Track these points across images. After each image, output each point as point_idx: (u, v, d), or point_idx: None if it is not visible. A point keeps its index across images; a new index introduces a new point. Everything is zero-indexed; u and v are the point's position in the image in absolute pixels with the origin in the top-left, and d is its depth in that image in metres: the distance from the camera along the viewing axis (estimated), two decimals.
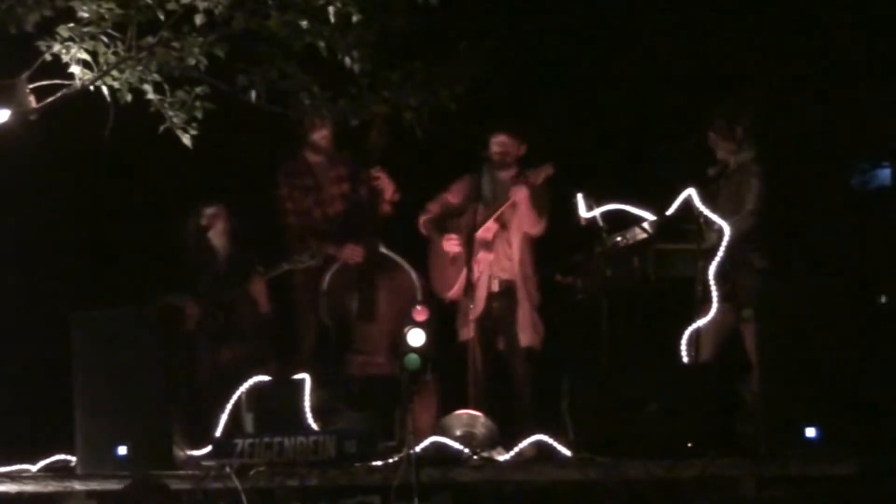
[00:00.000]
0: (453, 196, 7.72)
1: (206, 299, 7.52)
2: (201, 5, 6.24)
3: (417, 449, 6.34)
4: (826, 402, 6.32)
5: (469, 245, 7.46)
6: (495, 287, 7.58)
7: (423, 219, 7.72)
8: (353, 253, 7.49)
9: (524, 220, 7.49)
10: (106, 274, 8.36)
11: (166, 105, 6.56)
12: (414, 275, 7.53)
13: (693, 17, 8.63)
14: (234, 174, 8.34)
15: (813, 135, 8.60)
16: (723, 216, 6.90)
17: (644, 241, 7.05)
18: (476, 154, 7.59)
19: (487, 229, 7.51)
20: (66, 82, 6.45)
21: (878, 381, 7.02)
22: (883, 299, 8.26)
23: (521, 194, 7.40)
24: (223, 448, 6.50)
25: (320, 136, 7.59)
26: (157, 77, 6.48)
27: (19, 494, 6.50)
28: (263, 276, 7.46)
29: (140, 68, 6.43)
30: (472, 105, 6.92)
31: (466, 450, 6.60)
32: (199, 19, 6.27)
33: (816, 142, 8.62)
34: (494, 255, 7.55)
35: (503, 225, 7.54)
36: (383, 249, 7.56)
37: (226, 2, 6.23)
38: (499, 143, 7.57)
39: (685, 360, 6.84)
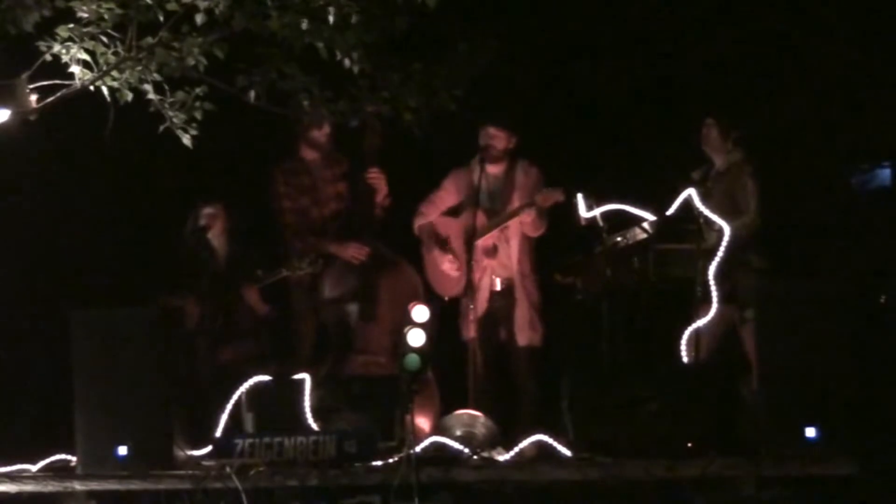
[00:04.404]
0: (448, 194, 7.71)
1: (205, 299, 7.52)
2: (201, 5, 6.23)
3: (417, 449, 6.34)
4: (826, 402, 6.33)
5: (469, 248, 7.46)
6: (497, 286, 7.59)
7: (418, 223, 7.71)
8: (356, 251, 7.49)
9: (526, 228, 7.51)
10: (106, 274, 8.36)
11: (166, 105, 6.56)
12: (415, 274, 7.53)
13: (694, 16, 8.63)
14: (234, 174, 8.33)
15: (813, 135, 8.60)
16: (720, 217, 6.91)
17: (644, 241, 7.06)
18: (472, 151, 7.62)
19: (489, 237, 7.53)
20: (66, 82, 6.45)
21: (878, 381, 7.02)
22: (882, 299, 8.25)
23: (528, 218, 7.41)
24: (223, 448, 6.51)
25: (321, 133, 7.58)
26: (157, 77, 6.48)
27: (19, 494, 6.51)
28: (255, 285, 7.46)
29: (140, 68, 6.43)
30: (472, 105, 6.92)
31: (466, 450, 6.60)
32: (199, 19, 6.27)
33: (816, 142, 8.62)
34: (496, 258, 7.57)
35: (502, 228, 7.56)
36: (383, 249, 7.56)
37: (226, 2, 6.23)
38: (487, 135, 7.56)
39: (685, 360, 6.84)
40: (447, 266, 7.55)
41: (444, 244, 7.61)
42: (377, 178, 7.54)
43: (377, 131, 7.41)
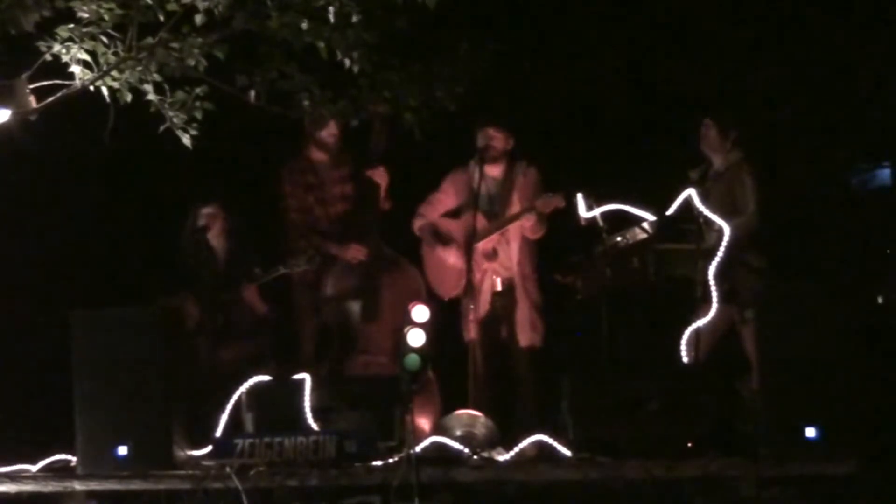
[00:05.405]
0: (447, 196, 7.71)
1: (205, 299, 7.52)
2: (201, 5, 6.23)
3: (417, 449, 6.34)
4: (826, 402, 6.32)
5: (469, 250, 7.46)
6: (498, 286, 7.59)
7: (417, 224, 7.71)
8: (357, 252, 7.49)
9: (526, 231, 7.51)
10: (106, 274, 8.36)
11: (166, 105, 6.56)
12: (418, 275, 7.53)
13: (694, 17, 8.63)
14: (234, 174, 8.33)
15: (813, 135, 8.60)
16: (720, 217, 6.91)
17: (644, 241, 7.05)
18: (471, 152, 7.62)
19: (489, 241, 7.53)
20: (66, 83, 6.45)
21: (878, 381, 7.01)
22: (880, 300, 8.26)
23: (528, 223, 7.42)
24: (223, 448, 6.51)
25: (329, 133, 7.58)
26: (157, 77, 6.48)
27: (19, 494, 6.51)
28: (254, 283, 7.46)
29: (140, 69, 6.43)
30: (472, 105, 6.92)
31: (466, 450, 6.60)
32: (199, 19, 6.26)
33: (816, 142, 8.62)
34: (497, 260, 7.57)
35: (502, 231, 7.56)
36: (386, 249, 7.56)
37: (226, 2, 6.23)
38: (485, 136, 7.56)
39: (685, 360, 6.84)
40: (453, 259, 7.54)
41: (446, 240, 7.61)
42: (380, 175, 7.54)
43: (384, 132, 7.42)
